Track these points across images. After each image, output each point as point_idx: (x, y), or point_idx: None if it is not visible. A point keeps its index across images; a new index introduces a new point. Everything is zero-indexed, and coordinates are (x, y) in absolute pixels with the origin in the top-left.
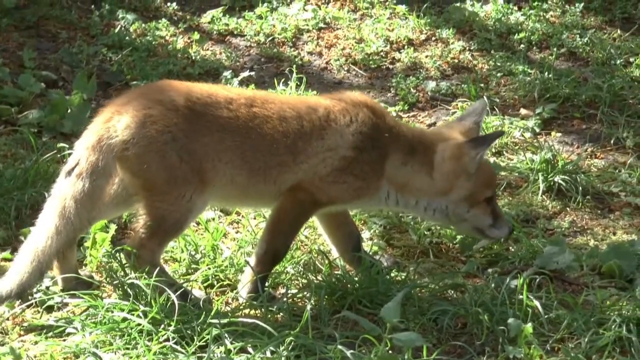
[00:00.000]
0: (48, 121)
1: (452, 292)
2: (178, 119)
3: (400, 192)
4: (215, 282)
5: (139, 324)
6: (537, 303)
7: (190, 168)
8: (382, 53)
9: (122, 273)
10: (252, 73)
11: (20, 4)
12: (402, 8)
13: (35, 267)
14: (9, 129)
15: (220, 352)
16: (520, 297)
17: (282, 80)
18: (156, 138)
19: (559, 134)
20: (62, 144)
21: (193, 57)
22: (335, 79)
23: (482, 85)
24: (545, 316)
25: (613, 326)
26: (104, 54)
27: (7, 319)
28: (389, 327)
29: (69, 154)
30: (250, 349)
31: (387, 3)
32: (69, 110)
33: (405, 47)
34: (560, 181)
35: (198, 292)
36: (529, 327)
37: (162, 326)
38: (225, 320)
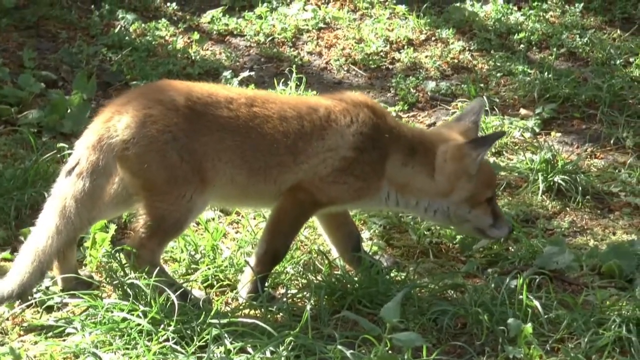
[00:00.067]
0: (48, 121)
1: (452, 292)
2: (178, 118)
3: (400, 192)
4: (215, 282)
5: (139, 324)
6: (536, 303)
7: (191, 168)
8: (381, 53)
9: (122, 273)
10: (252, 73)
11: (20, 4)
12: (401, 8)
13: (36, 267)
14: (8, 129)
15: (220, 352)
16: (520, 297)
17: (282, 80)
18: (156, 138)
19: (558, 134)
20: (61, 144)
21: (193, 57)
22: (335, 79)
23: (481, 85)
24: (545, 316)
25: (613, 326)
26: (104, 54)
27: (7, 319)
28: (389, 327)
29: (69, 154)
30: (250, 349)
31: (386, 3)
32: (68, 110)
33: (405, 47)
34: (560, 181)
35: (198, 292)
36: (528, 327)
37: (162, 326)
38: (225, 321)
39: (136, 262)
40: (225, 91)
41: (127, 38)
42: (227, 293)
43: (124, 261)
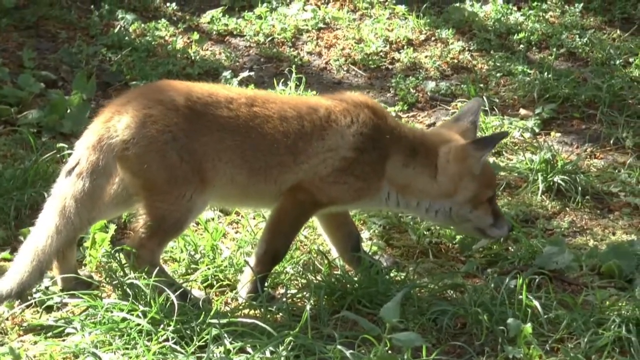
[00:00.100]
0: (47, 121)
1: (452, 292)
2: (178, 118)
3: (401, 193)
4: (214, 282)
5: (139, 324)
6: (536, 303)
7: (191, 168)
8: (381, 53)
9: (122, 273)
10: (252, 73)
11: (19, 4)
12: (401, 8)
13: (35, 266)
14: (8, 129)
15: (220, 352)
16: (520, 297)
17: (282, 80)
18: (156, 138)
19: (558, 134)
20: (61, 144)
21: (192, 57)
22: (334, 79)
23: (481, 85)
24: (545, 316)
25: (612, 326)
26: (104, 54)
27: (7, 319)
28: (389, 327)
29: (69, 154)
30: (249, 349)
31: (386, 3)
32: (68, 111)
33: (405, 47)
34: (559, 181)
35: (197, 292)
36: (528, 327)
37: (162, 326)
38: (224, 320)
39: (136, 262)
40: (225, 91)
41: (126, 38)
42: (227, 293)
43: (123, 261)
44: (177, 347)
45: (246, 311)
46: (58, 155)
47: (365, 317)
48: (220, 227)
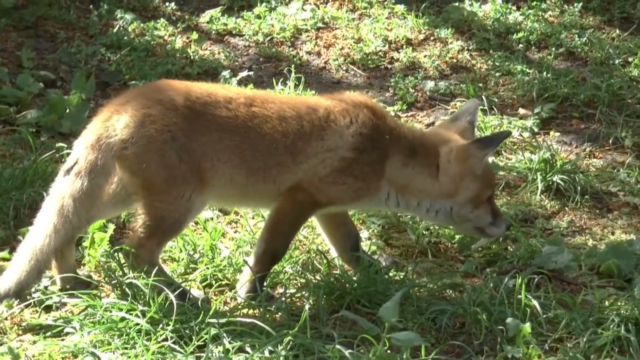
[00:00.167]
0: (46, 121)
1: (451, 291)
2: (177, 118)
3: (400, 193)
4: (213, 282)
5: (138, 324)
6: (535, 303)
7: (190, 167)
8: (380, 53)
9: (121, 273)
10: (251, 73)
11: (18, 4)
12: (400, 8)
13: (33, 265)
14: (7, 128)
15: (219, 351)
16: (519, 296)
17: (281, 80)
18: (155, 137)
19: (557, 134)
20: (60, 144)
21: (192, 57)
22: (333, 78)
23: (480, 85)
24: (544, 316)
25: (611, 326)
26: (103, 54)
27: (6, 318)
28: (388, 326)
29: (68, 154)
30: (248, 349)
31: (385, 3)
32: (67, 110)
33: (404, 46)
34: (558, 181)
35: (196, 292)
36: (527, 326)
37: (161, 326)
38: (223, 320)
39: (135, 261)
40: (224, 91)
41: (125, 38)
42: (226, 293)
43: (122, 261)
44: (176, 347)
45: (245, 311)
46: (57, 155)
47: (364, 317)
48: (219, 227)
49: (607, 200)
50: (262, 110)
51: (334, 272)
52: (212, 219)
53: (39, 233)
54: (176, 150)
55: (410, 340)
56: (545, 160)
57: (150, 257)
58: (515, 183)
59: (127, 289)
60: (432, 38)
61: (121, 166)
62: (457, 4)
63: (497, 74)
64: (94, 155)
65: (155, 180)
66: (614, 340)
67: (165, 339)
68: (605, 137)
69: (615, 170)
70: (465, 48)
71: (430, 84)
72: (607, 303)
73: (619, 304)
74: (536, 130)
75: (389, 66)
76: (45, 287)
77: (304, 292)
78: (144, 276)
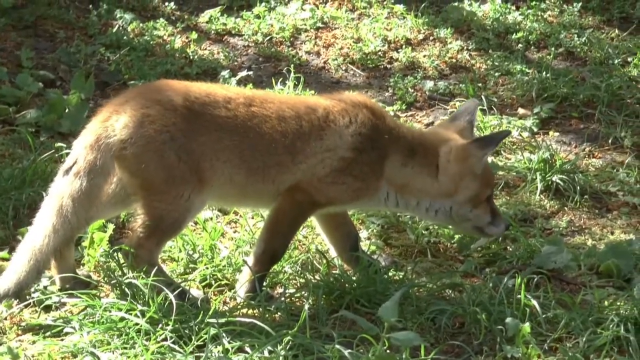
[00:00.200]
0: (46, 121)
1: (450, 291)
2: (176, 118)
3: (400, 193)
4: (213, 282)
5: (137, 324)
6: (534, 302)
7: (189, 167)
8: (380, 52)
9: (120, 273)
10: (250, 72)
11: (18, 4)
12: (400, 7)
13: (32, 265)
14: (6, 128)
15: (218, 351)
16: (518, 296)
17: (280, 79)
18: (154, 137)
19: (556, 134)
20: (59, 144)
21: (191, 57)
22: (333, 78)
23: (479, 84)
24: (543, 315)
25: (611, 325)
26: (102, 54)
27: (5, 318)
28: (387, 326)
29: (67, 154)
30: (248, 349)
31: (384, 2)
32: (66, 110)
33: (403, 46)
34: (558, 181)
35: (196, 292)
36: (526, 326)
37: (160, 326)
38: (223, 320)
39: (134, 261)
40: (223, 91)
41: (125, 38)
42: (225, 292)
43: (122, 261)
44: (176, 347)
45: (244, 310)
46: (56, 155)
47: (363, 317)
48: (218, 227)
49: (607, 200)
50: (261, 110)
51: (334, 272)
52: (211, 218)
53: (38, 233)
54: (175, 150)
55: (409, 340)
56: (544, 160)
57: (150, 257)
58: (515, 183)
59: (126, 289)
60: (431, 38)
61: (120, 166)
62: (456, 3)
63: (497, 74)
64: (93, 156)
65: (154, 180)
66: (613, 340)
67: (165, 339)
68: (605, 137)
69: (615, 170)
70: (465, 48)
71: (429, 84)
72: (606, 303)
73: (618, 303)
74: (535, 130)
75: (388, 66)
76: (45, 287)
77: (303, 292)
78: (144, 276)
